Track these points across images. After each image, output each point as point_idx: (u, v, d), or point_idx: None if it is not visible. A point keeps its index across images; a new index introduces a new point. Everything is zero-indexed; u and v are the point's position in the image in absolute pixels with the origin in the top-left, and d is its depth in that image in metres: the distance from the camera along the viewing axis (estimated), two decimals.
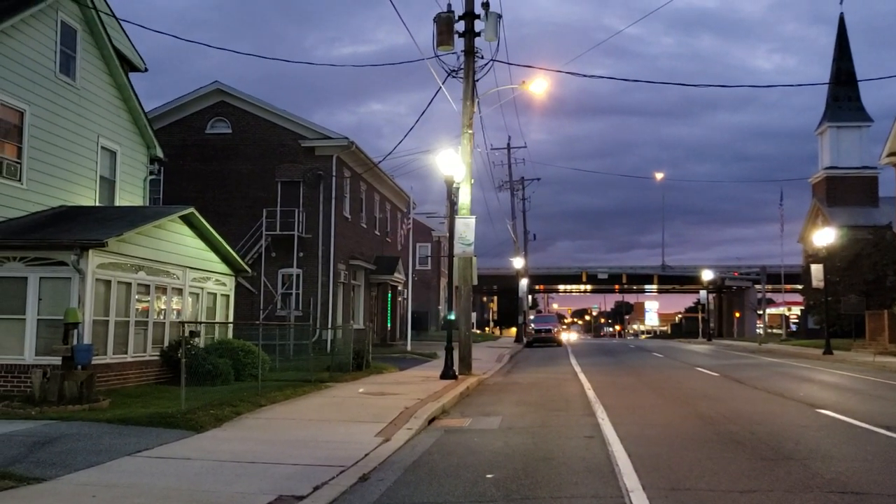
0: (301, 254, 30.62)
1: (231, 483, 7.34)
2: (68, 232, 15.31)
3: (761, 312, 66.70)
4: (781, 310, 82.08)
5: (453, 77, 21.46)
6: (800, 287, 60.61)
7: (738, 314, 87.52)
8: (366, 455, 8.78)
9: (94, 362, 13.57)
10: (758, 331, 69.49)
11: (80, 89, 18.22)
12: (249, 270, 22.76)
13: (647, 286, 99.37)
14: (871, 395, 16.70)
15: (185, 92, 31.98)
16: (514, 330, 65.33)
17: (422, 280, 60.92)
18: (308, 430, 10.71)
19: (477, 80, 21.67)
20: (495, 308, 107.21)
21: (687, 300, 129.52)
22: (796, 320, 77.05)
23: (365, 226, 36.57)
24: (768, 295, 72.48)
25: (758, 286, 67.04)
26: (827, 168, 59.62)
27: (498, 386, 19.30)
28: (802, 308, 65.42)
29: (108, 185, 19.53)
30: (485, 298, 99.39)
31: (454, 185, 20.48)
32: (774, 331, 78.06)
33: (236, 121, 31.56)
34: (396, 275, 39.60)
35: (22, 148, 16.27)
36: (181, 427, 10.28)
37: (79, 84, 18.18)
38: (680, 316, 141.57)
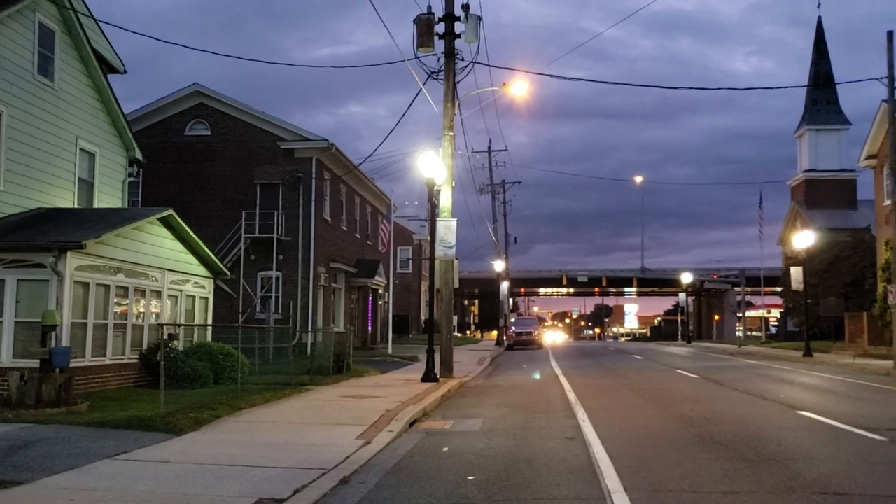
0: (280, 257, 30.47)
1: (211, 486, 7.27)
2: (46, 234, 15.14)
3: (741, 315, 67.18)
4: (761, 312, 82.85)
5: (434, 79, 21.47)
6: (779, 290, 61.20)
7: (717, 317, 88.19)
8: (347, 458, 8.73)
9: (72, 365, 13.43)
10: (737, 333, 69.97)
11: (58, 91, 18.03)
12: (228, 273, 22.60)
13: (626, 289, 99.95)
14: (851, 396, 16.86)
15: (164, 94, 31.80)
16: (495, 333, 65.36)
17: (403, 283, 60.84)
18: (288, 434, 10.64)
19: (457, 82, 21.69)
20: (476, 311, 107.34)
21: (666, 303, 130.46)
22: (776, 323, 77.74)
23: (345, 228, 36.46)
24: (748, 297, 73.05)
25: (737, 289, 67.51)
26: (806, 171, 60.21)
27: (479, 388, 19.29)
28: (782, 311, 66.02)
29: (87, 187, 19.33)
30: (466, 302, 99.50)
31: (435, 188, 20.45)
32: (754, 333, 78.69)
33: (215, 122, 31.39)
34: (377, 278, 39.51)
35: None
36: (160, 430, 10.18)
37: (57, 85, 17.98)
38: (659, 319, 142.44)
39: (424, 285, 62.48)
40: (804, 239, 38.93)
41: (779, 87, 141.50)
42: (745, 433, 10.79)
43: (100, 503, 6.62)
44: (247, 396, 13.90)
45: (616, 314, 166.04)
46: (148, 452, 8.91)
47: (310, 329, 29.21)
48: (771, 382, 20.29)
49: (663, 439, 10.39)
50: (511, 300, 75.20)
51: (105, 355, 15.96)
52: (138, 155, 21.59)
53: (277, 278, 30.62)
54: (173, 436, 10.00)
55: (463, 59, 21.64)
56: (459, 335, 66.13)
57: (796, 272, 38.60)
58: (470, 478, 7.86)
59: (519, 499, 6.97)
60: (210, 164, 31.10)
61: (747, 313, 74.92)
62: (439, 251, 20.90)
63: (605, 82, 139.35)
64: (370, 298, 41.44)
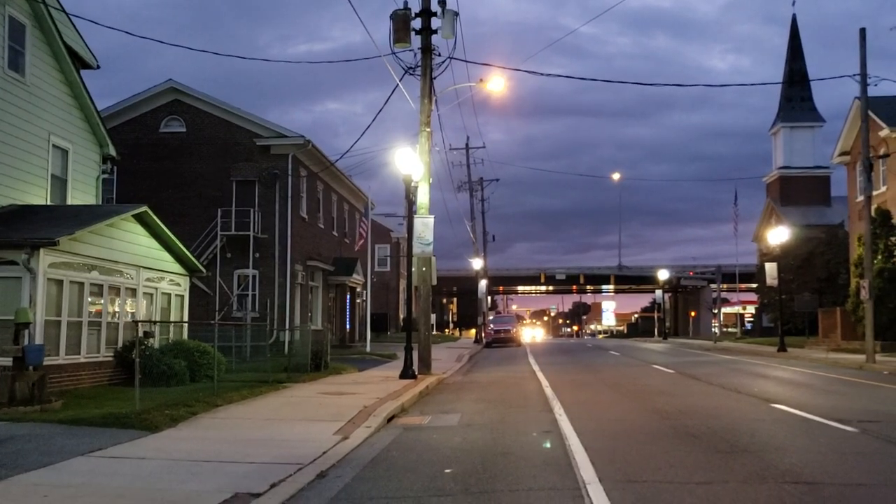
0: (257, 254, 30.32)
1: (186, 481, 7.23)
2: (19, 231, 14.96)
3: (716, 311, 67.86)
4: (736, 309, 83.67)
5: (410, 74, 21.44)
6: (754, 286, 61.84)
7: (693, 313, 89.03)
8: (324, 453, 8.73)
9: (46, 363, 13.28)
10: (713, 329, 70.65)
11: (29, 86, 17.80)
12: (204, 271, 22.46)
13: (604, 286, 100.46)
14: (824, 390, 17.10)
15: (139, 90, 31.50)
16: (473, 331, 65.50)
17: (381, 282, 60.74)
18: (265, 430, 10.61)
19: (434, 78, 21.68)
20: (455, 309, 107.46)
21: (643, 300, 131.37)
22: (751, 319, 78.59)
23: (322, 226, 36.34)
24: (723, 294, 73.74)
25: (713, 285, 68.15)
26: (781, 168, 60.87)
27: (457, 385, 19.34)
28: (757, 306, 66.76)
29: (60, 183, 19.11)
30: (444, 300, 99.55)
31: (412, 184, 20.43)
32: (730, 329, 79.53)
33: (191, 119, 31.15)
34: (355, 276, 39.43)
35: None
36: (136, 427, 10.11)
37: (28, 80, 17.75)
38: (636, 315, 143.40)
39: (402, 283, 62.46)
40: (779, 235, 39.40)
41: (754, 84, 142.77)
42: (719, 426, 10.91)
43: (74, 499, 6.57)
44: (224, 394, 13.83)
45: (594, 311, 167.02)
46: (123, 449, 8.85)
47: (287, 327, 29.10)
48: (745, 377, 20.52)
49: (639, 432, 10.48)
50: (489, 298, 75.36)
51: (80, 353, 15.80)
52: (112, 152, 21.38)
53: (254, 276, 30.47)
54: (149, 433, 9.94)
55: (440, 55, 21.65)
56: (438, 333, 66.16)
57: (771, 268, 39.05)
58: (447, 471, 7.89)
59: (495, 490, 7.01)
60: (185, 161, 30.86)
61: (723, 309, 75.67)
62: (417, 248, 20.90)
63: (583, 78, 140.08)
64: (348, 297, 41.35)
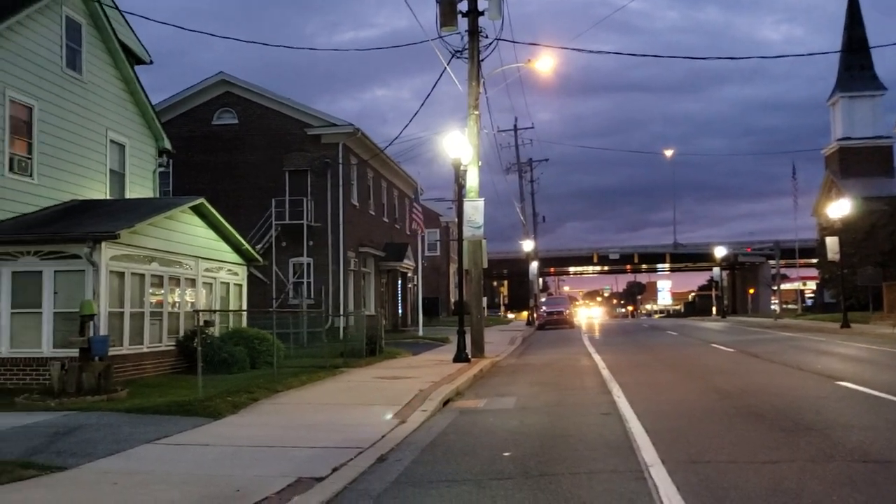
0: (311, 242, 30.67)
1: (250, 467, 7.37)
2: (81, 225, 15.38)
3: (776, 288, 66.35)
4: (796, 285, 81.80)
5: (458, 58, 21.35)
6: (815, 261, 60.32)
7: (752, 290, 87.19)
8: (382, 437, 8.80)
9: (110, 353, 13.63)
10: (772, 306, 69.19)
11: (86, 83, 18.23)
12: (261, 260, 22.80)
13: (659, 265, 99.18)
14: (889, 365, 16.61)
15: (190, 84, 32.03)
16: (525, 313, 65.31)
17: (431, 266, 60.90)
18: (324, 414, 10.74)
19: (482, 60, 21.54)
20: (506, 292, 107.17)
21: (700, 278, 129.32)
22: (812, 295, 76.78)
23: (373, 213, 36.56)
24: (783, 270, 72.03)
25: (772, 261, 66.68)
26: (840, 139, 59.06)
27: (511, 367, 19.31)
28: (818, 282, 65.16)
29: (118, 178, 19.57)
30: (495, 283, 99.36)
31: (462, 168, 20.39)
32: (789, 306, 77.76)
33: (242, 111, 31.57)
34: (406, 261, 39.62)
35: (32, 143, 16.32)
36: (199, 414, 10.32)
37: (86, 78, 18.18)
38: (693, 294, 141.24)
39: (453, 267, 62.54)
40: (839, 208, 38.26)
41: (810, 54, 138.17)
42: (782, 404, 10.68)
43: (142, 486, 6.74)
44: (283, 380, 14.04)
45: (649, 291, 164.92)
46: (188, 436, 9.05)
47: (341, 313, 29.42)
48: (808, 354, 20.05)
49: (700, 412, 10.31)
50: (541, 280, 74.97)
51: (142, 343, 16.21)
52: (167, 145, 21.80)
53: (308, 264, 30.83)
54: (212, 420, 10.13)
55: (487, 37, 21.51)
56: (489, 316, 66.10)
57: (832, 242, 38.02)
58: (505, 454, 7.87)
59: (555, 473, 6.97)
60: (239, 153, 31.32)
61: (783, 286, 73.96)
62: (467, 232, 20.87)
63: (633, 54, 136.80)
64: (399, 282, 41.58)
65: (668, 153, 75.00)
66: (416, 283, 44.83)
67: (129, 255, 15.73)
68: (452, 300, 64.97)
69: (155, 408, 10.85)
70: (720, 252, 71.85)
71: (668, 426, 9.20)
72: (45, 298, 14.74)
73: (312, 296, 30.35)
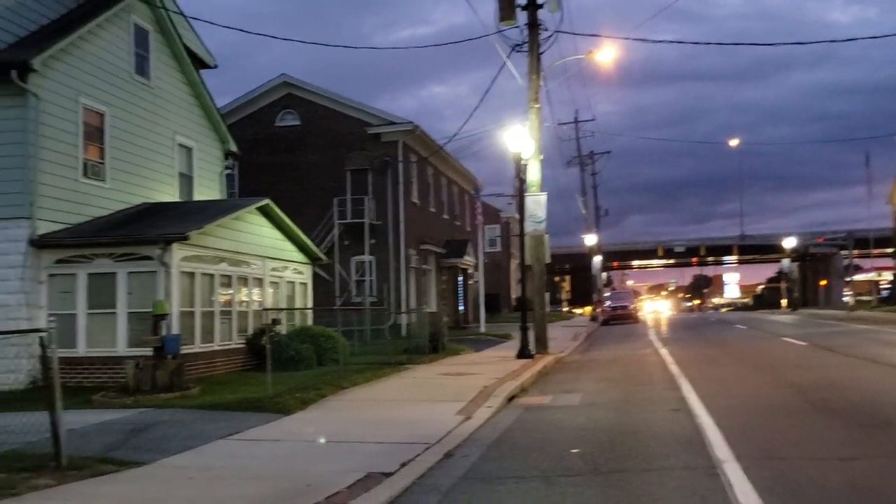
0: (372, 241, 30.92)
1: (320, 462, 7.47)
2: (152, 227, 15.82)
3: (849, 279, 64.21)
4: (870, 275, 79.06)
5: (517, 51, 21.17)
6: (890, 250, 58.21)
7: (823, 282, 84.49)
8: (448, 432, 8.82)
9: (182, 352, 13.99)
10: (845, 298, 67.00)
11: (154, 88, 18.74)
12: (325, 258, 23.10)
13: (725, 258, 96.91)
14: None
15: (252, 87, 32.62)
16: (588, 308, 64.62)
17: (492, 262, 60.71)
18: (391, 411, 10.82)
19: (541, 53, 21.31)
20: (568, 287, 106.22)
21: (768, 270, 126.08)
22: (888, 286, 74.10)
23: (433, 210, 36.67)
24: (856, 260, 69.64)
25: (844, 252, 64.52)
26: None
27: (576, 363, 19.14)
28: (894, 272, 62.79)
29: (187, 180, 20.07)
30: (557, 278, 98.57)
31: (522, 162, 20.25)
32: (863, 298, 75.17)
33: (304, 112, 32.03)
34: (466, 258, 39.63)
35: (104, 149, 16.86)
36: (269, 411, 10.51)
37: (153, 83, 18.69)
38: (762, 287, 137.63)
39: (514, 263, 62.29)
40: None
41: (884, 36, 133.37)
42: (859, 398, 10.33)
43: (216, 480, 6.90)
44: (349, 376, 14.19)
45: (715, 284, 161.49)
46: (259, 432, 9.23)
47: (404, 310, 29.61)
48: (884, 347, 19.35)
49: (773, 407, 10.05)
50: (604, 274, 74.11)
51: (213, 341, 16.58)
52: (233, 147, 22.26)
53: (370, 262, 31.11)
54: (282, 415, 10.31)
55: (546, 30, 21.28)
56: (552, 312, 65.59)
57: None
58: (573, 450, 7.80)
59: (625, 469, 6.88)
60: (301, 153, 31.78)
61: (856, 277, 71.58)
62: (529, 226, 20.74)
63: (696, 42, 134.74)
64: (460, 278, 41.62)
65: (734, 143, 73.19)
66: (476, 279, 44.81)
67: (198, 255, 16.11)
68: (513, 296, 64.78)
69: (226, 404, 11.09)
70: (789, 243, 69.84)
71: (740, 422, 9.00)
72: (120, 299, 15.19)
73: (375, 293, 30.62)
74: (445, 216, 39.20)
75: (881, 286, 77.28)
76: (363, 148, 31.44)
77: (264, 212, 19.07)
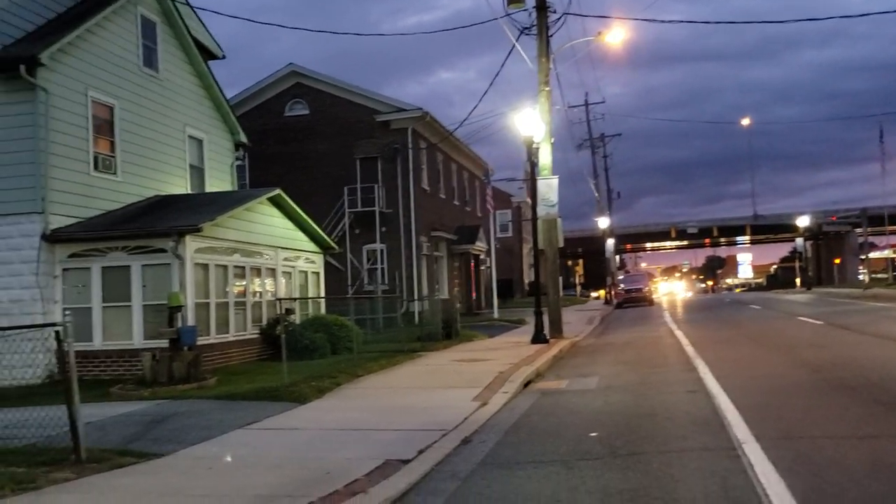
0: (383, 229, 30.92)
1: (338, 450, 7.49)
2: (165, 220, 15.86)
3: (864, 257, 63.74)
4: (886, 253, 78.43)
5: (526, 34, 21.08)
6: None
7: (838, 260, 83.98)
8: (465, 419, 8.82)
9: (198, 343, 14.04)
10: (860, 276, 66.55)
11: (163, 80, 18.73)
12: (337, 247, 23.11)
13: (738, 238, 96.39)
14: None
15: (261, 77, 32.62)
16: (602, 292, 64.46)
17: (504, 247, 60.64)
18: (406, 397, 10.83)
19: (550, 36, 21.22)
20: (581, 271, 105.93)
21: (782, 250, 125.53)
22: None
23: (444, 196, 36.60)
24: (871, 238, 69.20)
25: (858, 230, 64.10)
26: None
27: (591, 347, 19.11)
28: None
29: (198, 172, 20.09)
30: (569, 262, 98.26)
31: (534, 146, 20.17)
32: (879, 275, 74.63)
33: (312, 101, 31.98)
34: (478, 243, 39.58)
35: (114, 142, 16.89)
36: (286, 399, 10.54)
37: (162, 75, 18.69)
38: (775, 266, 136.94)
39: (526, 248, 62.19)
40: None
41: None
42: (877, 377, 10.25)
43: (236, 469, 6.93)
44: (363, 364, 14.23)
45: (729, 265, 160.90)
46: (276, 421, 9.26)
47: (416, 297, 29.62)
48: None
49: (790, 387, 10.00)
50: (617, 257, 73.94)
51: (228, 332, 16.65)
52: (243, 138, 22.26)
53: (381, 250, 31.12)
54: (298, 404, 10.34)
55: (555, 12, 21.18)
56: (565, 296, 65.45)
57: None
58: (592, 434, 7.79)
59: (644, 452, 6.86)
60: (310, 143, 31.75)
61: (871, 254, 71.08)
62: (541, 210, 20.67)
63: (705, 22, 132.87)
64: (472, 264, 41.58)
65: (745, 122, 72.68)
66: (488, 265, 44.78)
67: (212, 247, 16.14)
68: (526, 281, 64.70)
69: (243, 394, 11.13)
70: (803, 222, 69.43)
71: (758, 402, 8.95)
72: (134, 292, 15.25)
73: (386, 281, 30.64)
74: (456, 202, 39.12)
75: None
76: (372, 136, 31.38)
77: (275, 202, 19.09)
